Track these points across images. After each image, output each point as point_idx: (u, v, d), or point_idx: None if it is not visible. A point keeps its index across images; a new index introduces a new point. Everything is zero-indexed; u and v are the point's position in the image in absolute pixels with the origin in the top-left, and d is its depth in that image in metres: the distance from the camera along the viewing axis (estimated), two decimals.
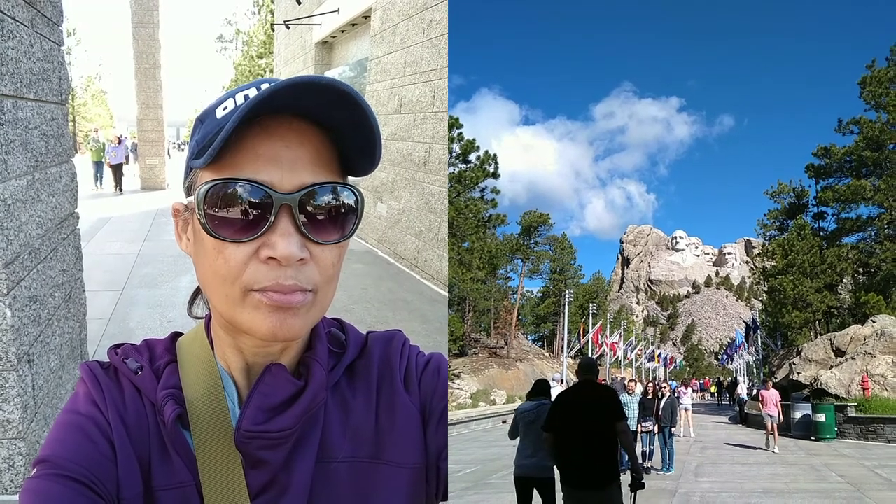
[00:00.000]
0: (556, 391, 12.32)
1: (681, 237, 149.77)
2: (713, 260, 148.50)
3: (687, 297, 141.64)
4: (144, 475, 0.93)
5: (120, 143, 23.84)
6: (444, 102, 11.76)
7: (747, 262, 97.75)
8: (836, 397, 16.55)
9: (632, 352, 43.60)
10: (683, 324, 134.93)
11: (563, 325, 34.61)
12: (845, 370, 17.34)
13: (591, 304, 41.16)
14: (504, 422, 22.67)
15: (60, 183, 4.28)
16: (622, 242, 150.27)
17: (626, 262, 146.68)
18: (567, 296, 35.54)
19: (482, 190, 32.13)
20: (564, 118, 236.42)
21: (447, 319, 12.47)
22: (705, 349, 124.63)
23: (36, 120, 3.77)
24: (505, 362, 34.19)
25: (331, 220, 0.91)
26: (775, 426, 12.64)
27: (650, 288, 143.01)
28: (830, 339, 19.73)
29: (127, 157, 26.52)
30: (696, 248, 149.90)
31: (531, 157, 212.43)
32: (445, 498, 1.08)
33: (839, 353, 18.81)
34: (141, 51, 22.97)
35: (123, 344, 1.06)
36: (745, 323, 34.06)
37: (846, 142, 28.76)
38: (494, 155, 31.89)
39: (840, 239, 29.21)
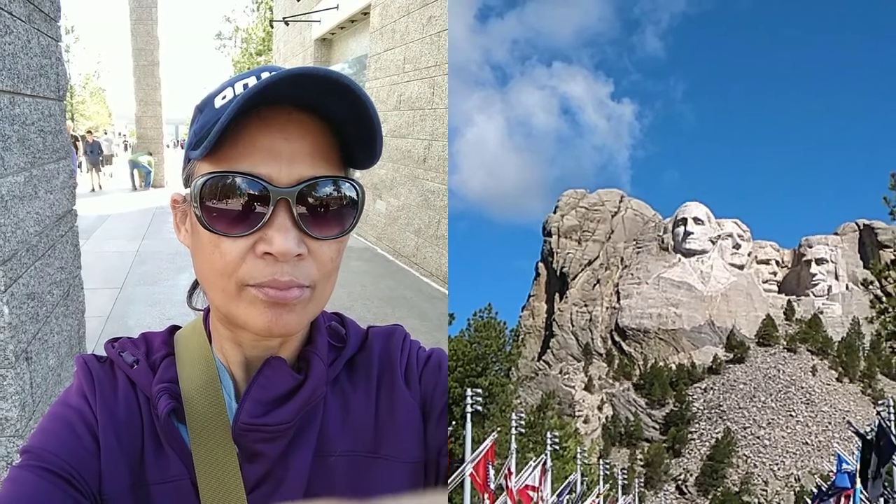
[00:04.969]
0: None
1: None
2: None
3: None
4: (135, 470, 0.93)
5: None
6: (444, 99, 11.73)
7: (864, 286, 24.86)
8: None
9: None
10: None
11: None
12: None
13: None
14: None
15: (58, 180, 4.25)
16: None
17: None
18: None
19: None
20: None
21: (447, 317, 12.47)
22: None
23: (33, 116, 3.75)
24: None
25: (330, 215, 0.89)
26: None
27: None
28: None
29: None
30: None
31: None
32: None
33: None
34: (140, 48, 23.00)
35: (121, 337, 1.06)
36: (858, 433, 15.77)
37: None
38: None
39: None
